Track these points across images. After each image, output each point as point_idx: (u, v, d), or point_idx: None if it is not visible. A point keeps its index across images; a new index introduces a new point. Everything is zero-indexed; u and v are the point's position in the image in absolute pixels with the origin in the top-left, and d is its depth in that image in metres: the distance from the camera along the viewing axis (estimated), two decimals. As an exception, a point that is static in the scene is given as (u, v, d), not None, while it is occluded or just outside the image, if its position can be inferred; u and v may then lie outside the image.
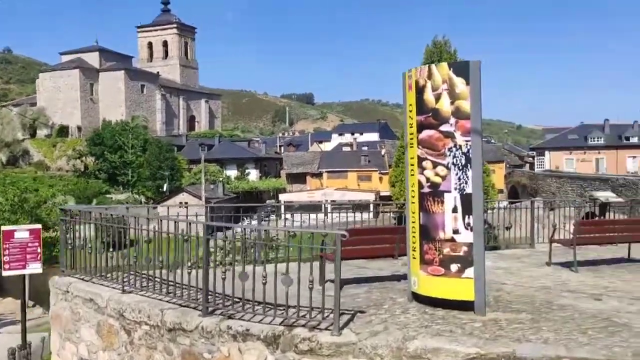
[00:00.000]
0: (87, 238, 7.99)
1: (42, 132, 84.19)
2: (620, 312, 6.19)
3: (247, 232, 8.80)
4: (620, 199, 12.41)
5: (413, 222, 6.48)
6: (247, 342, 5.65)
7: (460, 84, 6.02)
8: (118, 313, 6.93)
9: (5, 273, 8.53)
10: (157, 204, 44.81)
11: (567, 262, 9.15)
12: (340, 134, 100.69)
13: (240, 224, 11.29)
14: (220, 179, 62.88)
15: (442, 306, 6.29)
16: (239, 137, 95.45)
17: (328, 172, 70.63)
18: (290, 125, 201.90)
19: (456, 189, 6.08)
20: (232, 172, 70.55)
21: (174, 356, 6.18)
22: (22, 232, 8.67)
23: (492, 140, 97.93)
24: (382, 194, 56.69)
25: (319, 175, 71.32)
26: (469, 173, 6.03)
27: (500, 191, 62.46)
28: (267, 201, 56.05)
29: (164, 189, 57.22)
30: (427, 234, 6.30)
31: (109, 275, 7.69)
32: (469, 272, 6.05)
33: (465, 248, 6.06)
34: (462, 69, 6.03)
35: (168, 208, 11.04)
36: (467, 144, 6.03)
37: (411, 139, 6.45)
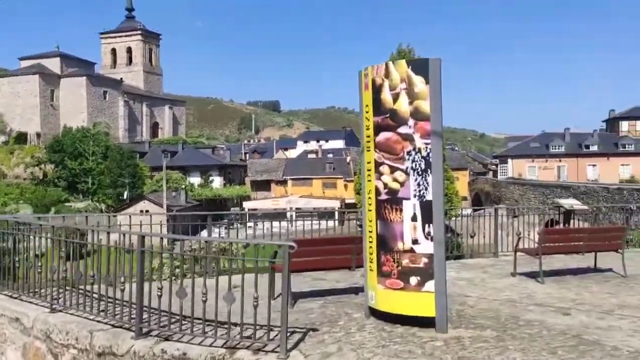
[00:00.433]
0: (17, 250, 7.25)
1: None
2: (589, 327, 5.82)
3: (195, 243, 8.19)
4: (585, 207, 12.22)
5: (370, 231, 5.99)
6: (184, 367, 5.04)
7: (419, 82, 5.57)
8: (45, 334, 6.23)
9: None
10: (117, 212, 43.44)
11: (533, 272, 8.81)
12: (306, 141, 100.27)
13: (196, 235, 10.63)
14: (183, 186, 61.55)
15: (401, 322, 5.81)
16: (203, 144, 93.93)
17: (293, 179, 70.00)
18: (257, 132, 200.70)
19: (415, 196, 5.62)
20: (196, 180, 69.28)
21: (104, 384, 5.52)
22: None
23: (456, 148, 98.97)
24: (347, 201, 56.38)
25: (283, 182, 70.59)
26: (429, 178, 5.58)
27: (464, 198, 62.97)
28: (232, 209, 55.08)
29: (125, 196, 55.59)
30: (384, 244, 5.81)
31: (42, 291, 6.96)
32: (430, 285, 5.58)
33: (425, 259, 5.59)
34: (421, 66, 5.59)
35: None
36: (427, 147, 5.59)
37: (368, 142, 5.98)
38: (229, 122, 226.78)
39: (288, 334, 5.39)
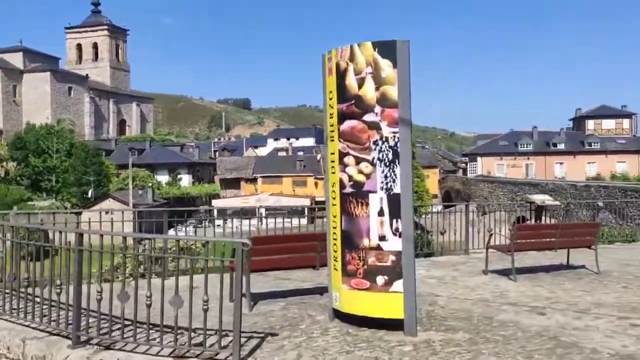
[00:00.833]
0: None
1: (-43, 136, 78.25)
2: (566, 328, 5.49)
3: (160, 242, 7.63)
4: (556, 202, 12.05)
5: (334, 227, 5.55)
6: (126, 380, 4.51)
7: (386, 66, 5.15)
8: (-26, 344, 5.59)
9: None
10: (80, 210, 42.07)
11: (505, 270, 8.51)
12: (276, 139, 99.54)
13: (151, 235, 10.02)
14: (150, 184, 60.17)
15: (367, 325, 5.39)
16: (171, 142, 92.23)
17: (263, 177, 69.23)
18: (227, 130, 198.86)
19: (382, 189, 5.20)
20: (164, 178, 67.89)
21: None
22: None
23: (427, 146, 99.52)
24: (317, 199, 55.92)
25: (253, 180, 69.76)
26: (397, 170, 5.16)
27: (435, 196, 63.38)
28: (201, 207, 54.04)
29: (89, 195, 54.02)
30: (349, 241, 5.38)
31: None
32: (398, 285, 5.16)
33: (392, 257, 5.17)
34: (388, 49, 5.16)
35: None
36: (394, 137, 5.17)
37: (332, 131, 5.53)
38: (199, 120, 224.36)
39: (244, 340, 4.94)
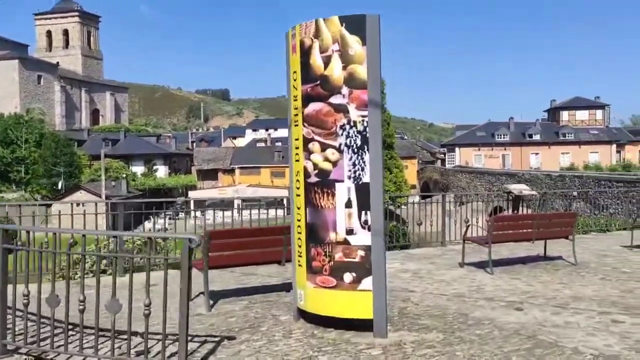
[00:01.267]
0: None
1: None
2: (545, 325, 5.15)
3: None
4: (534, 192, 11.78)
5: (298, 220, 5.11)
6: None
7: (354, 43, 4.70)
8: None
9: None
10: (51, 202, 40.89)
11: (482, 262, 8.20)
12: (255, 130, 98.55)
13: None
14: (124, 175, 58.89)
15: (334, 326, 4.98)
16: (147, 132, 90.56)
17: (241, 168, 68.38)
18: (206, 121, 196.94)
19: (350, 178, 4.77)
20: (139, 169, 66.54)
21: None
22: None
23: (405, 137, 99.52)
24: (296, 190, 55.32)
25: (231, 171, 68.89)
26: (366, 157, 4.73)
27: (413, 186, 63.33)
28: (178, 198, 53.15)
29: (59, 186, 52.60)
30: (314, 235, 4.94)
31: None
32: (367, 283, 4.75)
33: (361, 252, 4.76)
34: (357, 24, 4.70)
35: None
36: (363, 121, 4.73)
37: (296, 115, 5.08)
38: (177, 111, 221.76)
39: (196, 345, 4.53)
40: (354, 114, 4.73)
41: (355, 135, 4.74)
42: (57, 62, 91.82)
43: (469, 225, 8.68)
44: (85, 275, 4.98)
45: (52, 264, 4.14)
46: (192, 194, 58.44)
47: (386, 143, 47.13)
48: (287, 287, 6.58)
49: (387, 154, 47.67)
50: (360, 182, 4.75)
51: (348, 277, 4.79)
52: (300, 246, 5.09)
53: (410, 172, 67.66)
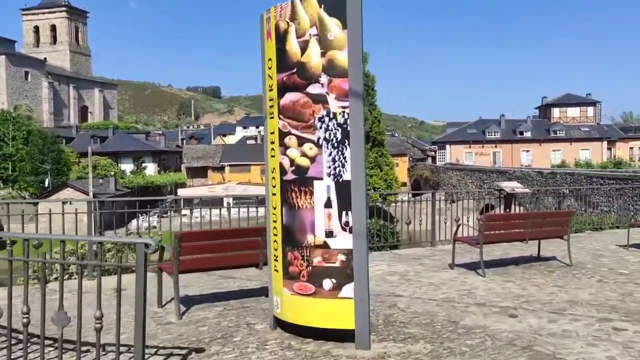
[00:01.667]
0: None
1: None
2: (541, 334, 4.76)
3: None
4: (527, 190, 11.43)
5: (274, 221, 4.69)
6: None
7: (334, 27, 4.28)
8: None
9: None
10: (37, 200, 40.19)
11: (473, 264, 7.83)
12: (245, 127, 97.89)
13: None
14: (113, 172, 58.10)
15: (313, 336, 4.57)
16: (136, 130, 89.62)
17: (230, 165, 67.77)
18: (197, 119, 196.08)
19: (330, 175, 4.35)
20: (128, 166, 65.70)
21: None
22: None
23: (396, 135, 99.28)
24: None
25: (220, 169, 68.27)
26: (347, 152, 4.32)
27: (404, 184, 63.10)
28: (168, 196, 52.48)
29: (46, 184, 51.79)
30: (291, 237, 4.52)
31: None
32: (348, 290, 4.34)
33: (342, 257, 4.34)
34: (336, 6, 4.28)
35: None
36: (344, 112, 4.31)
37: (271, 106, 4.65)
38: (167, 108, 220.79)
39: (163, 358, 4.07)
40: (334, 104, 4.31)
41: (335, 128, 4.32)
42: (45, 58, 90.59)
43: (459, 225, 8.30)
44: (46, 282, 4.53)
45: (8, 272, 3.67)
46: (182, 192, 57.82)
47: (377, 140, 46.81)
48: (266, 291, 6.09)
49: (377, 151, 47.35)
50: (341, 180, 4.33)
51: (327, 283, 4.38)
52: (276, 249, 4.68)
53: (401, 169, 67.38)
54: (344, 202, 4.33)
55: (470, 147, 72.56)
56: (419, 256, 8.97)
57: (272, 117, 4.63)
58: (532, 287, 6.65)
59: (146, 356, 3.75)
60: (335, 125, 4.32)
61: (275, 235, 4.66)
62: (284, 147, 4.51)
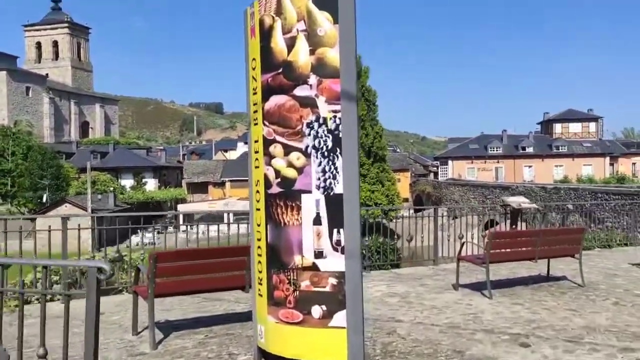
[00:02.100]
0: None
1: None
2: (559, 368, 4.24)
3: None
4: (533, 205, 10.91)
5: (258, 239, 4.19)
6: None
7: (324, 21, 3.82)
8: None
9: None
10: (34, 215, 39.64)
11: (478, 284, 7.30)
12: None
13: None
14: (112, 188, 57.65)
15: (302, 370, 4.04)
16: (137, 145, 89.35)
17: (231, 181, 67.30)
18: (199, 134, 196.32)
19: (319, 188, 3.86)
20: (128, 182, 65.33)
21: None
22: None
23: (398, 150, 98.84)
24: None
25: (221, 184, 67.81)
26: (339, 162, 3.83)
27: (406, 199, 62.51)
28: (167, 212, 51.91)
29: (44, 199, 51.32)
30: (276, 258, 4.02)
31: None
32: (340, 318, 3.82)
33: (333, 280, 3.83)
34: (327, -1, 3.82)
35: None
36: (335, 117, 3.83)
37: (255, 111, 4.18)
38: (170, 124, 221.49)
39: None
40: (324, 108, 3.84)
41: (326, 135, 3.84)
42: (47, 74, 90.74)
43: (463, 243, 7.77)
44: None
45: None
46: (182, 208, 57.31)
47: (378, 156, 46.38)
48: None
49: (379, 167, 46.86)
50: (332, 193, 3.84)
51: (317, 310, 3.86)
52: (260, 272, 4.17)
53: (403, 185, 66.82)
54: (335, 219, 3.83)
55: (472, 162, 72.10)
56: (421, 275, 8.45)
57: (256, 124, 4.16)
58: (543, 311, 6.13)
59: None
60: (326, 132, 3.84)
61: (260, 255, 4.16)
62: (269, 156, 4.03)
